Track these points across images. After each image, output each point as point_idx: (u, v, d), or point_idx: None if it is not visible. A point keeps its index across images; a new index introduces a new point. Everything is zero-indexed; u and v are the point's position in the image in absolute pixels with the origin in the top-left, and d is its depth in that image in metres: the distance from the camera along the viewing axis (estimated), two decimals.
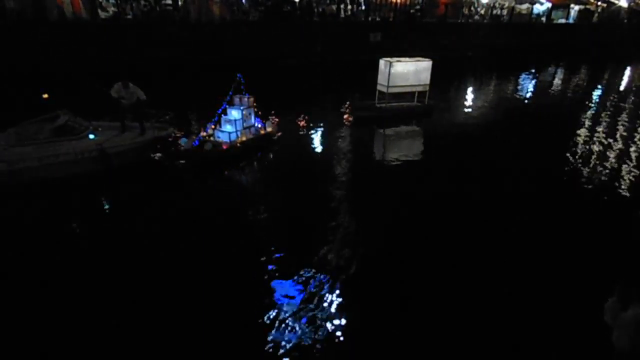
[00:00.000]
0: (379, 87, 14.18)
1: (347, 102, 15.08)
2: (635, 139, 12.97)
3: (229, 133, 10.10)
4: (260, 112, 11.22)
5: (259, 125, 11.12)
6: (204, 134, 10.40)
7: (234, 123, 10.22)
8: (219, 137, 10.23)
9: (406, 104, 14.64)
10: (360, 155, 11.29)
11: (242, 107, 10.37)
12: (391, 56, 14.30)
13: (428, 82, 14.26)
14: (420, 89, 14.36)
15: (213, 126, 10.45)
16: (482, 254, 6.66)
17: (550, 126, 14.40)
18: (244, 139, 10.34)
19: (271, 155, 10.95)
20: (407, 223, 7.70)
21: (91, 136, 8.88)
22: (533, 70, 27.92)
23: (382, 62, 13.90)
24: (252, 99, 10.69)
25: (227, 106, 10.40)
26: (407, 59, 14.20)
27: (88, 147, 8.68)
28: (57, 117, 8.85)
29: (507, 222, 7.79)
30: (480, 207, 8.32)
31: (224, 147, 9.89)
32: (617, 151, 11.90)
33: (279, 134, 11.65)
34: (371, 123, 13.82)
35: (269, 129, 11.24)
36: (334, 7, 27.62)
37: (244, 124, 10.47)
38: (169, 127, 10.27)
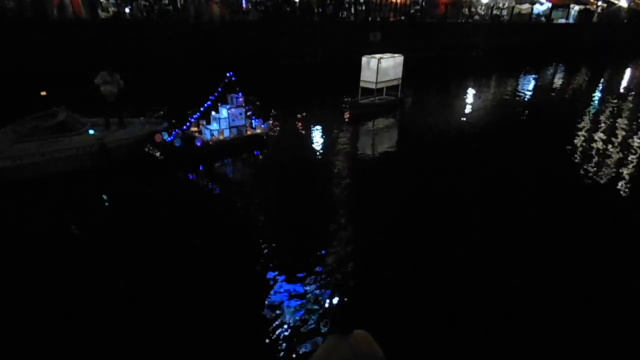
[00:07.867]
0: (363, 84, 14.59)
1: (343, 101, 15.36)
2: (635, 139, 12.96)
3: (211, 131, 10.23)
4: (256, 112, 11.21)
5: (248, 126, 11.01)
6: (195, 129, 10.57)
7: (218, 121, 10.38)
8: (204, 134, 10.38)
9: (378, 97, 15.11)
10: (352, 149, 11.60)
11: (228, 107, 10.42)
12: None
13: (401, 76, 15.08)
14: (395, 82, 15.04)
15: (194, 122, 10.55)
16: (480, 251, 6.63)
17: (552, 127, 14.45)
18: (221, 138, 10.36)
19: (261, 155, 10.91)
20: (404, 218, 7.73)
21: (91, 132, 9.06)
22: (532, 70, 27.89)
23: (366, 59, 14.25)
24: (241, 99, 10.63)
25: (219, 104, 10.47)
26: (383, 55, 14.62)
27: (89, 142, 8.87)
28: (56, 114, 8.92)
29: (496, 209, 8.04)
30: (474, 198, 8.58)
31: (198, 144, 9.92)
32: (611, 150, 11.91)
33: (266, 137, 11.36)
34: (360, 118, 14.28)
35: (257, 131, 11.10)
36: (331, 7, 27.59)
37: (231, 124, 10.49)
38: (164, 122, 10.50)
